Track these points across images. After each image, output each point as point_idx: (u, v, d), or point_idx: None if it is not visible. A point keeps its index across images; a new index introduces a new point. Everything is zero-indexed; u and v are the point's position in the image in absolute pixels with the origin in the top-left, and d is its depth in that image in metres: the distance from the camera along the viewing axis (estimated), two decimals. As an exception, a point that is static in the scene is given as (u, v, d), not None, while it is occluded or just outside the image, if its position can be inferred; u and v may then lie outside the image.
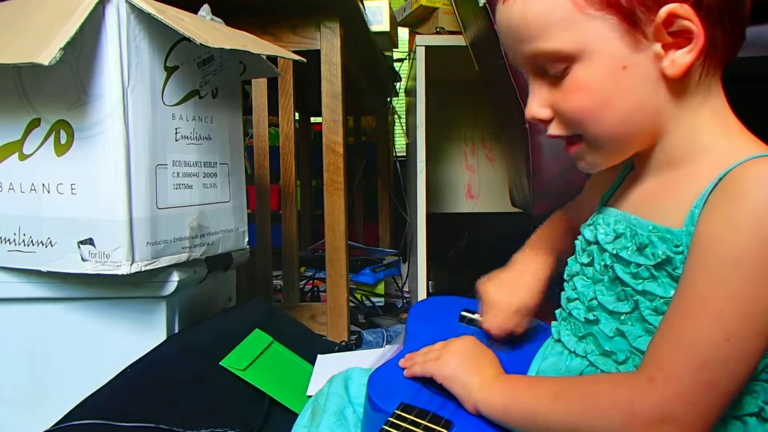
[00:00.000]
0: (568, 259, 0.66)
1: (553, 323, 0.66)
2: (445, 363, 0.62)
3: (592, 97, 0.52)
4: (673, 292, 0.50)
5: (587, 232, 0.62)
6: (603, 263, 0.57)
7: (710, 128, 0.52)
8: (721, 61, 0.53)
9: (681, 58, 0.49)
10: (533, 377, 0.62)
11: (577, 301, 0.61)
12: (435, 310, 0.82)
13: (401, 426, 0.56)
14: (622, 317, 0.54)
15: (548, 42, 0.51)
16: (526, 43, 0.53)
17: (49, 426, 0.68)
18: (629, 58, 0.50)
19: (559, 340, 0.63)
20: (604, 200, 0.65)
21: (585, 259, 0.61)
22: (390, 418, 0.57)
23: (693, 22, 0.48)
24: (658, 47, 0.50)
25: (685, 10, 0.48)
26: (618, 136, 0.53)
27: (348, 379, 0.73)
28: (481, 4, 1.01)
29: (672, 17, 0.48)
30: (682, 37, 0.49)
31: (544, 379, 0.58)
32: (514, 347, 0.72)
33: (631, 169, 0.63)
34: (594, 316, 0.57)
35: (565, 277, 0.65)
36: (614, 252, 0.55)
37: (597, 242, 0.59)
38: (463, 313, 0.80)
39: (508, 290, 0.70)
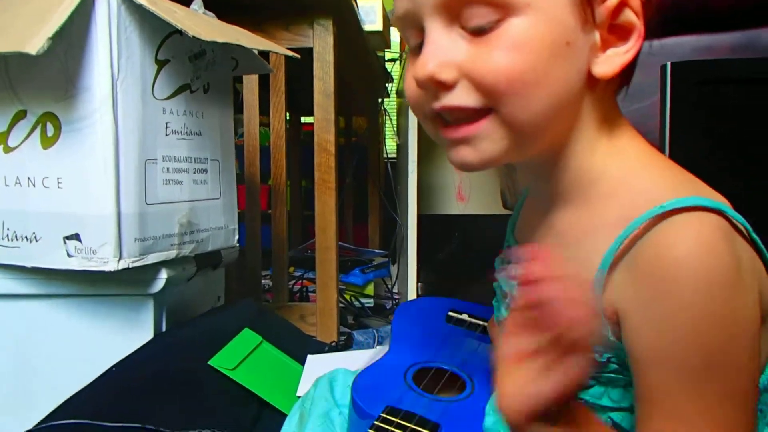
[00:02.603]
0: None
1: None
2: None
3: (527, 64, 0.42)
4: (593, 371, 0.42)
5: (503, 284, 0.53)
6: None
7: (618, 150, 0.46)
8: (627, 79, 0.48)
9: (619, 57, 0.44)
10: None
11: None
12: (421, 311, 0.82)
13: (387, 429, 0.55)
14: None
15: None
16: None
17: (30, 426, 0.66)
18: (574, 35, 0.43)
19: None
20: (511, 228, 0.59)
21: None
22: (375, 422, 0.56)
23: (639, 19, 0.43)
24: (597, 37, 0.44)
25: (636, 3, 0.43)
26: (538, 120, 0.44)
27: (333, 381, 0.72)
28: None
29: (622, 5, 0.43)
30: (618, 35, 0.44)
31: None
32: None
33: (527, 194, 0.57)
34: None
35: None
36: None
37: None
38: (450, 314, 0.79)
39: None
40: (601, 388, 0.46)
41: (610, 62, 0.44)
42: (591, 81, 0.45)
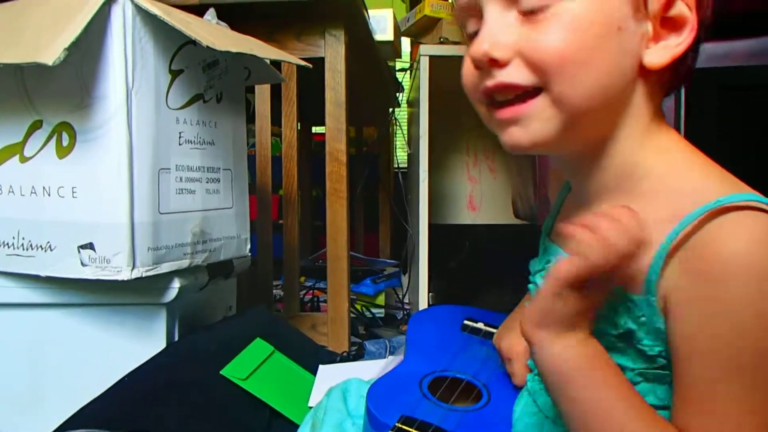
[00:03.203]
0: None
1: (528, 376, 0.60)
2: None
3: (580, 43, 0.43)
4: (640, 364, 0.45)
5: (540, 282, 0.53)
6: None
7: (664, 147, 0.47)
8: (681, 81, 0.49)
9: (670, 49, 0.45)
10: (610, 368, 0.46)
11: None
12: (436, 319, 0.81)
13: (402, 439, 0.54)
14: None
15: None
16: None
17: (45, 434, 0.66)
18: (626, 21, 0.44)
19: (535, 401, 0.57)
20: (547, 230, 0.60)
21: None
22: (390, 431, 0.55)
23: (692, 13, 0.45)
24: (649, 27, 0.45)
25: None
26: (587, 101, 0.45)
27: (346, 391, 0.71)
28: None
29: None
30: (670, 28, 0.45)
31: (623, 389, 0.44)
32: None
33: (569, 191, 0.57)
34: None
35: None
36: None
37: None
38: (466, 322, 0.79)
39: None
40: (648, 385, 0.46)
41: (661, 53, 0.45)
42: (643, 73, 0.46)
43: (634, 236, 0.42)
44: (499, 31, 0.45)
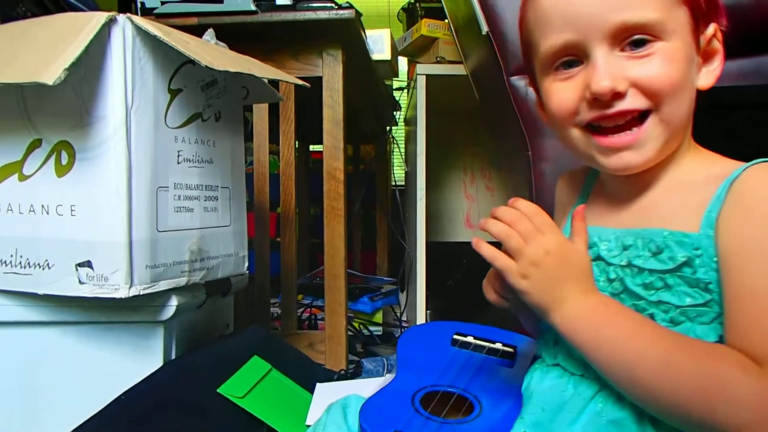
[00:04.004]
0: None
1: (542, 347, 0.63)
2: (527, 274, 0.55)
3: (679, 72, 0.54)
4: (688, 299, 0.52)
5: None
6: (607, 278, 0.58)
7: (695, 146, 0.60)
8: None
9: (711, 73, 0.58)
10: (631, 313, 0.55)
11: None
12: (425, 336, 0.82)
13: (396, 455, 0.55)
14: None
15: (648, 12, 0.53)
16: (620, 11, 0.53)
17: (40, 454, 0.65)
18: (693, 55, 0.56)
19: (557, 365, 0.60)
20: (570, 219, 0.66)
21: None
22: None
23: (720, 45, 0.58)
24: (698, 58, 0.57)
25: (719, 34, 0.57)
26: (684, 119, 0.56)
27: (346, 407, 0.71)
28: (484, 32, 1.02)
29: (713, 36, 0.57)
30: (706, 58, 0.58)
31: (645, 326, 0.52)
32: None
33: (590, 187, 0.67)
34: None
35: None
36: (624, 263, 0.56)
37: (599, 259, 0.59)
38: (455, 337, 0.79)
39: None
40: (689, 324, 0.52)
41: (707, 77, 0.58)
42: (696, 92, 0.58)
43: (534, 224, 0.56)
44: (615, 68, 0.54)
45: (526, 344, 0.76)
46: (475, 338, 0.79)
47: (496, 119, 1.29)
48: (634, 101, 0.54)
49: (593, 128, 0.57)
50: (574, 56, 0.57)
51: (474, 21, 1.04)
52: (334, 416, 0.69)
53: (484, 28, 1.01)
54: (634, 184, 0.60)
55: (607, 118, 0.55)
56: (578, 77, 0.56)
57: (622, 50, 0.54)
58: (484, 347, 0.77)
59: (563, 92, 0.58)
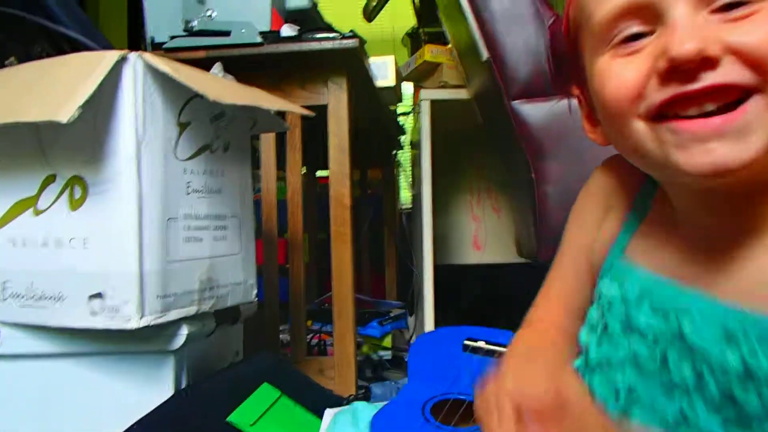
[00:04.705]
0: (585, 338, 0.52)
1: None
2: None
3: None
4: None
5: (651, 319, 0.45)
6: (695, 370, 0.42)
7: None
8: None
9: None
10: None
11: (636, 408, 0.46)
12: (436, 342, 0.82)
13: (407, 465, 0.55)
14: None
15: None
16: None
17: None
18: None
19: None
20: (621, 247, 0.51)
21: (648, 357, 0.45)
22: None
23: None
24: None
25: None
26: None
27: (354, 414, 0.71)
28: (484, 59, 1.04)
29: None
30: None
31: None
32: None
33: (647, 202, 0.51)
34: None
35: (579, 364, 0.51)
36: (738, 364, 0.39)
37: (681, 336, 0.43)
38: (467, 342, 0.79)
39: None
40: None
41: None
42: None
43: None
44: (703, 28, 0.39)
45: None
46: (487, 342, 0.79)
47: (500, 142, 1.31)
48: (730, 73, 0.38)
49: (666, 118, 0.41)
50: (641, 23, 0.42)
51: (475, 47, 1.07)
52: (342, 425, 0.69)
53: (485, 55, 1.03)
54: (735, 213, 0.43)
55: (688, 99, 0.39)
56: (647, 50, 0.41)
57: (712, 11, 0.39)
58: (495, 351, 0.77)
59: (625, 70, 0.42)
